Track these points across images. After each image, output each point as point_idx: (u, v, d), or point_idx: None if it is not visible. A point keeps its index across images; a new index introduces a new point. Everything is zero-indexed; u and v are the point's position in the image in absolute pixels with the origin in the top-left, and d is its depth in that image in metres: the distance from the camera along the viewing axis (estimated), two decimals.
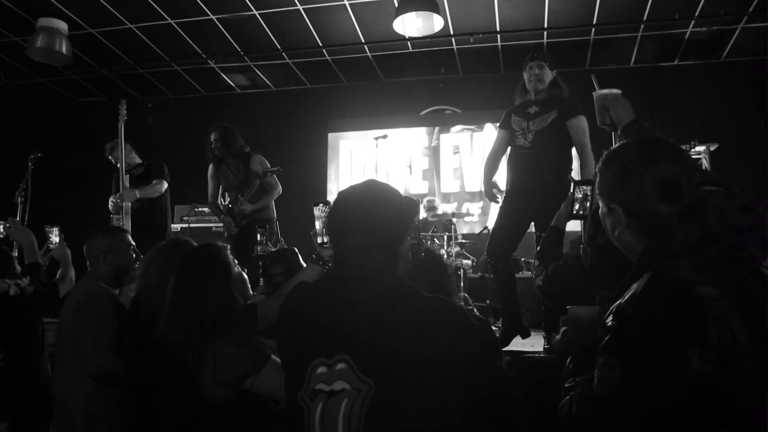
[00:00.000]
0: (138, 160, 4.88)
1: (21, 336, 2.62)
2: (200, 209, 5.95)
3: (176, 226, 5.82)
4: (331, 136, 7.93)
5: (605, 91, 2.12)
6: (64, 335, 2.32)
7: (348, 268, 1.39)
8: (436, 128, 7.65)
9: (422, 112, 7.73)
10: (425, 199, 6.58)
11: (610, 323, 1.11)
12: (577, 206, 2.28)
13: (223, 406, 1.81)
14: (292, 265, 2.61)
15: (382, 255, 1.37)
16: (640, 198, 1.22)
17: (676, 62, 6.89)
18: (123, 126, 4.58)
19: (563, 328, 1.39)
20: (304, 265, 2.51)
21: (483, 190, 3.79)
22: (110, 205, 4.52)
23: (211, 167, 4.94)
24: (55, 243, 3.06)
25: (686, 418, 1.03)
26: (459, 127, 7.57)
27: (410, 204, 1.52)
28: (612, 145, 3.44)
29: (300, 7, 5.80)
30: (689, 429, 1.04)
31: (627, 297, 1.12)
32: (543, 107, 3.57)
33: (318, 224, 2.16)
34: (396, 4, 5.52)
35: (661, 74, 6.89)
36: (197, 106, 8.05)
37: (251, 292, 2.23)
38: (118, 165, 4.59)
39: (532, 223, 3.61)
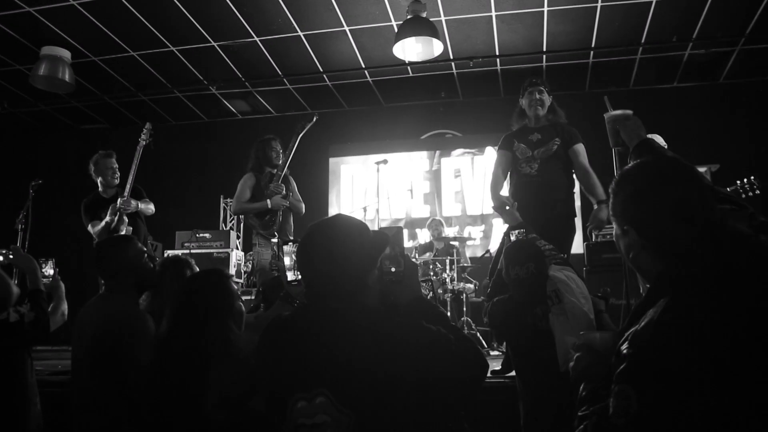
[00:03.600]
0: (117, 182, 4.66)
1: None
2: (201, 235, 5.94)
3: (177, 252, 5.79)
4: (332, 160, 7.95)
5: (617, 112, 2.13)
6: (92, 362, 2.27)
7: (317, 301, 1.43)
8: (437, 152, 7.66)
9: (423, 136, 7.75)
10: (430, 220, 6.55)
11: (625, 350, 1.08)
12: None
13: (227, 429, 1.80)
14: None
15: (347, 284, 1.41)
16: (655, 219, 1.19)
17: (675, 84, 6.92)
18: (142, 150, 4.57)
19: (576, 354, 1.36)
20: None
21: (493, 205, 3.79)
22: (110, 213, 4.39)
23: (253, 177, 4.72)
24: (50, 275, 3.00)
25: None
26: (460, 150, 7.58)
27: (378, 237, 1.55)
28: (612, 168, 3.45)
29: (300, 33, 5.86)
30: None
31: (643, 324, 1.08)
32: (545, 134, 3.63)
33: (288, 260, 2.21)
34: (395, 30, 5.57)
35: (661, 96, 6.90)
36: (199, 132, 8.09)
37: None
38: (99, 181, 4.55)
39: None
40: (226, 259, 5.81)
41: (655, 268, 1.21)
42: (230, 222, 7.66)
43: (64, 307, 2.71)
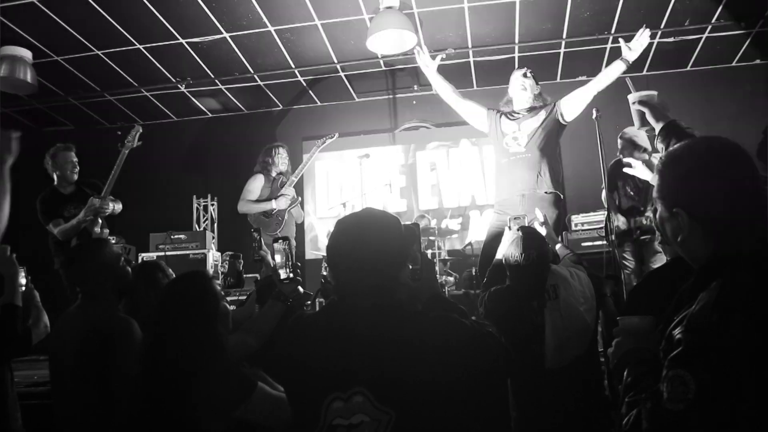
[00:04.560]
0: (76, 178, 4.46)
1: None
2: (176, 236, 5.80)
3: (152, 255, 5.65)
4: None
5: (641, 93, 2.11)
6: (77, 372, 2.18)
7: (350, 299, 1.39)
8: (412, 146, 7.63)
9: (397, 130, 7.72)
10: (418, 215, 6.53)
11: (680, 334, 1.05)
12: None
13: None
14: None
15: (383, 282, 1.37)
16: (708, 199, 1.16)
17: (644, 72, 7.01)
18: (127, 152, 4.39)
19: (616, 340, 1.33)
20: (301, 289, 2.46)
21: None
22: (85, 213, 4.17)
23: (262, 178, 4.88)
24: (23, 285, 2.84)
25: None
26: (434, 143, 7.57)
27: (409, 231, 1.52)
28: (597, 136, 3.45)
29: (271, 29, 5.76)
30: None
31: (699, 307, 1.05)
32: (530, 112, 3.64)
33: (279, 258, 2.19)
34: (368, 23, 5.52)
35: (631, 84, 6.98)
36: (168, 132, 7.91)
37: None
38: (56, 175, 4.32)
39: None
40: (203, 260, 5.70)
41: (705, 251, 1.18)
42: (204, 222, 7.53)
43: (45, 318, 2.58)
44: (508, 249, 2.60)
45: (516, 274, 2.58)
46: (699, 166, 1.19)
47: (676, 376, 1.03)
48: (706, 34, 6.16)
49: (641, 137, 4.75)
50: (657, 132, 2.00)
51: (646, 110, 2.05)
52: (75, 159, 4.39)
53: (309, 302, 2.54)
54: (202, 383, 1.73)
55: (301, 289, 2.23)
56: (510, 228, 2.86)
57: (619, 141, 5.08)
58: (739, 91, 6.79)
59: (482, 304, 2.66)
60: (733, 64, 6.84)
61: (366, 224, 1.44)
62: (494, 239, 3.52)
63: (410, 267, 1.51)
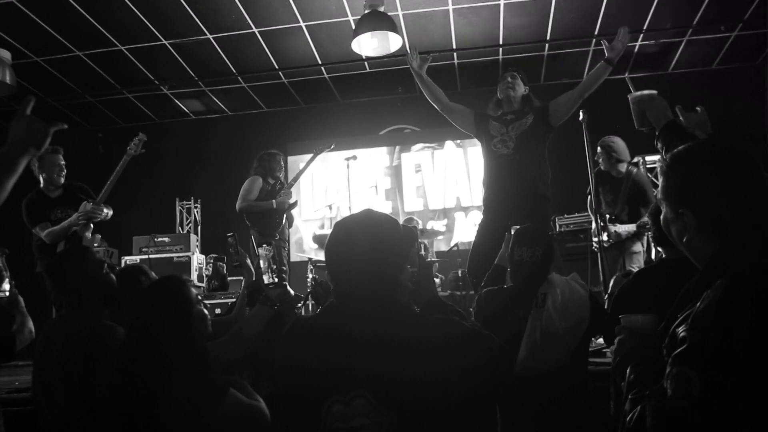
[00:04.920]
0: (62, 181, 4.34)
1: None
2: (160, 239, 5.74)
3: (135, 258, 5.58)
4: (290, 159, 7.81)
5: (641, 93, 2.11)
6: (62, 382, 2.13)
7: (350, 301, 1.37)
8: (397, 147, 7.64)
9: (381, 132, 7.72)
10: (407, 218, 6.52)
11: (683, 332, 1.06)
12: None
13: None
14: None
15: (384, 285, 1.36)
16: (712, 200, 1.17)
17: (626, 75, 7.08)
18: (129, 159, 4.33)
19: (618, 338, 1.34)
20: (291, 292, 2.44)
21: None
22: (78, 217, 4.09)
23: (261, 180, 5.00)
24: (5, 291, 2.77)
25: None
26: (419, 145, 7.58)
27: (408, 233, 1.51)
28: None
29: (255, 30, 5.73)
30: None
31: (703, 305, 1.06)
32: (518, 114, 3.61)
33: (263, 263, 2.16)
34: (353, 25, 5.51)
35: (612, 86, 7.01)
36: (150, 134, 7.78)
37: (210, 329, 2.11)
38: (42, 177, 4.21)
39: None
40: (187, 263, 5.64)
41: (710, 249, 1.19)
42: (187, 225, 7.46)
43: (30, 324, 2.52)
44: (512, 245, 2.55)
45: (518, 272, 2.52)
46: (704, 167, 1.21)
47: (680, 373, 1.03)
48: (687, 38, 6.24)
49: (619, 148, 4.79)
50: (657, 132, 2.00)
51: (646, 109, 2.05)
52: (62, 162, 4.29)
53: (300, 305, 2.52)
54: (174, 385, 1.70)
55: (291, 291, 2.21)
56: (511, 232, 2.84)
57: (598, 148, 5.17)
58: (718, 95, 6.89)
59: (473, 306, 2.64)
60: (713, 66, 6.94)
61: (366, 226, 1.42)
62: (483, 238, 3.52)
63: (409, 269, 1.49)
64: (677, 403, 1.03)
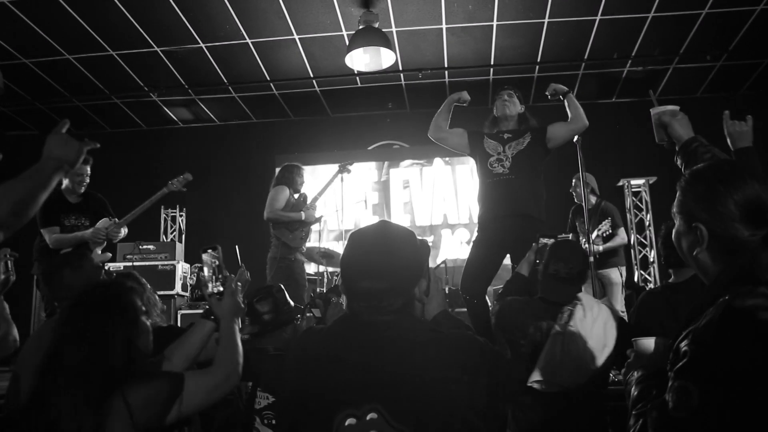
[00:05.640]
0: (83, 190, 4.37)
1: None
2: (145, 247, 5.66)
3: (119, 265, 5.49)
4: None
5: (663, 108, 2.12)
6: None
7: (366, 313, 1.34)
8: (386, 163, 7.65)
9: (370, 147, 7.73)
10: None
11: (685, 347, 1.09)
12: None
13: None
14: (279, 302, 2.45)
15: (399, 297, 1.33)
16: (726, 219, 1.20)
17: (614, 99, 7.19)
18: (167, 192, 4.56)
19: (628, 361, 1.38)
20: (291, 302, 2.38)
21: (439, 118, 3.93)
22: (96, 234, 4.14)
23: (288, 191, 5.02)
24: None
25: None
26: (408, 161, 7.60)
27: (423, 246, 1.50)
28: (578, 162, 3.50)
29: (249, 41, 5.72)
30: None
31: (704, 322, 1.10)
32: (515, 133, 3.58)
33: (207, 271, 2.02)
34: (346, 40, 5.54)
35: (601, 110, 7.15)
36: (136, 140, 7.77)
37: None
38: (64, 181, 4.17)
39: (508, 255, 3.53)
40: (172, 272, 5.56)
41: (715, 267, 1.23)
42: (171, 233, 7.38)
43: (15, 332, 2.42)
44: (548, 258, 2.52)
45: (551, 285, 2.48)
46: (720, 184, 1.24)
47: (680, 386, 1.07)
48: (673, 65, 6.36)
49: (592, 182, 5.36)
50: (677, 148, 2.02)
51: (667, 124, 2.07)
52: (88, 173, 4.31)
53: (299, 316, 2.45)
54: (125, 398, 1.53)
55: (242, 301, 1.98)
56: (539, 243, 2.82)
57: (573, 182, 5.40)
58: (702, 123, 7.00)
59: (494, 314, 2.59)
60: (698, 95, 7.07)
61: (384, 238, 1.40)
62: (477, 256, 3.49)
63: (424, 282, 1.48)
64: (677, 414, 1.07)
